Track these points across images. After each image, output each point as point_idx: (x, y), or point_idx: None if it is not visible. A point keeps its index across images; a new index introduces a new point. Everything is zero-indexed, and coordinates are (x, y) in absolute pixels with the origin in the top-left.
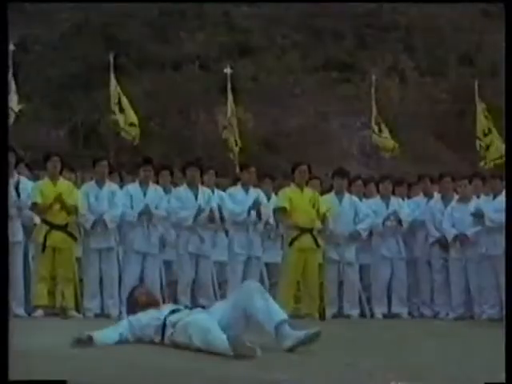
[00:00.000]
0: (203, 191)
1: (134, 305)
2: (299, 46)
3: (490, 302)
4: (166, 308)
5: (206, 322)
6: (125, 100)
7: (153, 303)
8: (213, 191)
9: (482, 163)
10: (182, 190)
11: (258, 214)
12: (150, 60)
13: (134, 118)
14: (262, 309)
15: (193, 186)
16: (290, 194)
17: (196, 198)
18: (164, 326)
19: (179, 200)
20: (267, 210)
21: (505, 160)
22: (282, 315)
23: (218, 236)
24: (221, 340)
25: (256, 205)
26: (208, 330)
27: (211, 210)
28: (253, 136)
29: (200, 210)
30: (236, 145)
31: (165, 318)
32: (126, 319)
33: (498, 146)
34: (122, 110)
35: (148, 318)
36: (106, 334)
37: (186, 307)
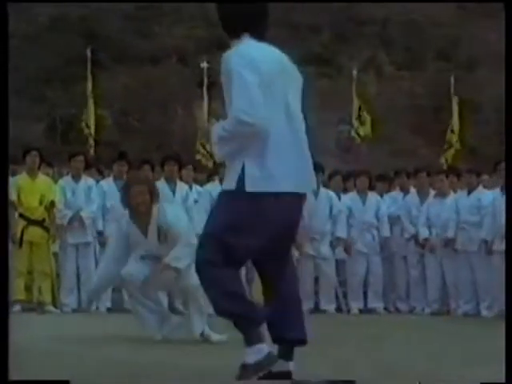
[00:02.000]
0: (181, 186)
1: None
2: (276, 40)
3: (465, 297)
4: None
5: None
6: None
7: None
8: (191, 187)
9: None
10: (160, 185)
11: None
12: (127, 55)
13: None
14: None
15: (170, 181)
16: None
17: (174, 193)
18: None
19: None
20: None
21: (505, 160)
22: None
23: None
24: None
25: None
26: None
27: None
28: None
29: None
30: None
31: None
32: None
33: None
34: (91, 111)
35: None
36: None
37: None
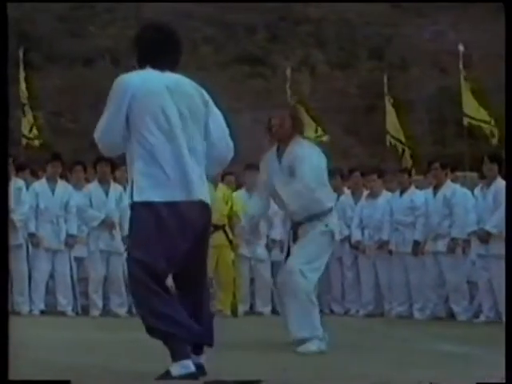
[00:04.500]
0: (115, 188)
1: None
2: (211, 40)
3: (399, 299)
4: None
5: None
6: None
7: None
8: (125, 188)
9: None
10: (92, 188)
11: None
12: (60, 55)
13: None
14: None
15: (104, 183)
16: None
17: (107, 195)
18: None
19: (86, 197)
20: None
21: (505, 159)
22: None
23: None
24: None
25: None
26: None
27: (113, 223)
28: None
29: (106, 218)
30: None
31: None
32: None
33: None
34: (26, 113)
35: None
36: None
37: None
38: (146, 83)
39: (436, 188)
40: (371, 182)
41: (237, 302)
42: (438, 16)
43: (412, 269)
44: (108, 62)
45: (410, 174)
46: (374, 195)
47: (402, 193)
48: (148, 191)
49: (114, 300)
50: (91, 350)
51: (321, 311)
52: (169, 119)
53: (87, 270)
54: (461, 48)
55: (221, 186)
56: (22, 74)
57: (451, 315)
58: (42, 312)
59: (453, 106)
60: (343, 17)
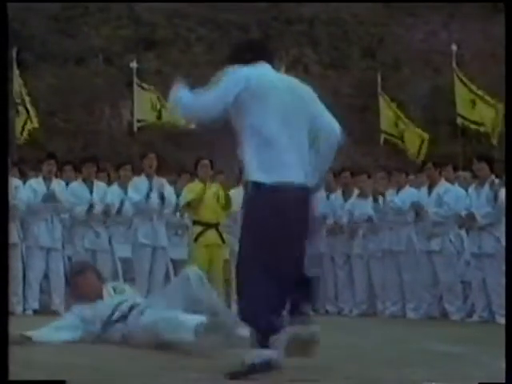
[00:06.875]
0: (97, 185)
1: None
2: (204, 39)
3: (392, 298)
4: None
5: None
6: (26, 100)
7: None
8: (120, 188)
9: (413, 157)
10: (77, 185)
11: (161, 198)
12: (53, 54)
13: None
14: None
15: (88, 182)
16: (194, 190)
17: (91, 193)
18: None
19: (73, 196)
20: (171, 195)
21: (505, 158)
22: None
23: (119, 231)
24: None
25: (158, 190)
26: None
27: (107, 205)
28: (157, 130)
29: (92, 206)
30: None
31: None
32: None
33: (415, 133)
34: (19, 112)
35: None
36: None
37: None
38: (260, 80)
39: (430, 187)
40: (361, 182)
41: (230, 301)
42: (430, 16)
43: (405, 268)
44: (101, 61)
45: (407, 174)
46: (363, 196)
47: (397, 192)
48: (257, 173)
49: None
50: (84, 350)
51: (315, 311)
52: (285, 111)
53: None
54: (454, 48)
55: (210, 184)
56: (15, 74)
57: (444, 315)
58: (35, 311)
59: (446, 105)
60: (336, 16)
